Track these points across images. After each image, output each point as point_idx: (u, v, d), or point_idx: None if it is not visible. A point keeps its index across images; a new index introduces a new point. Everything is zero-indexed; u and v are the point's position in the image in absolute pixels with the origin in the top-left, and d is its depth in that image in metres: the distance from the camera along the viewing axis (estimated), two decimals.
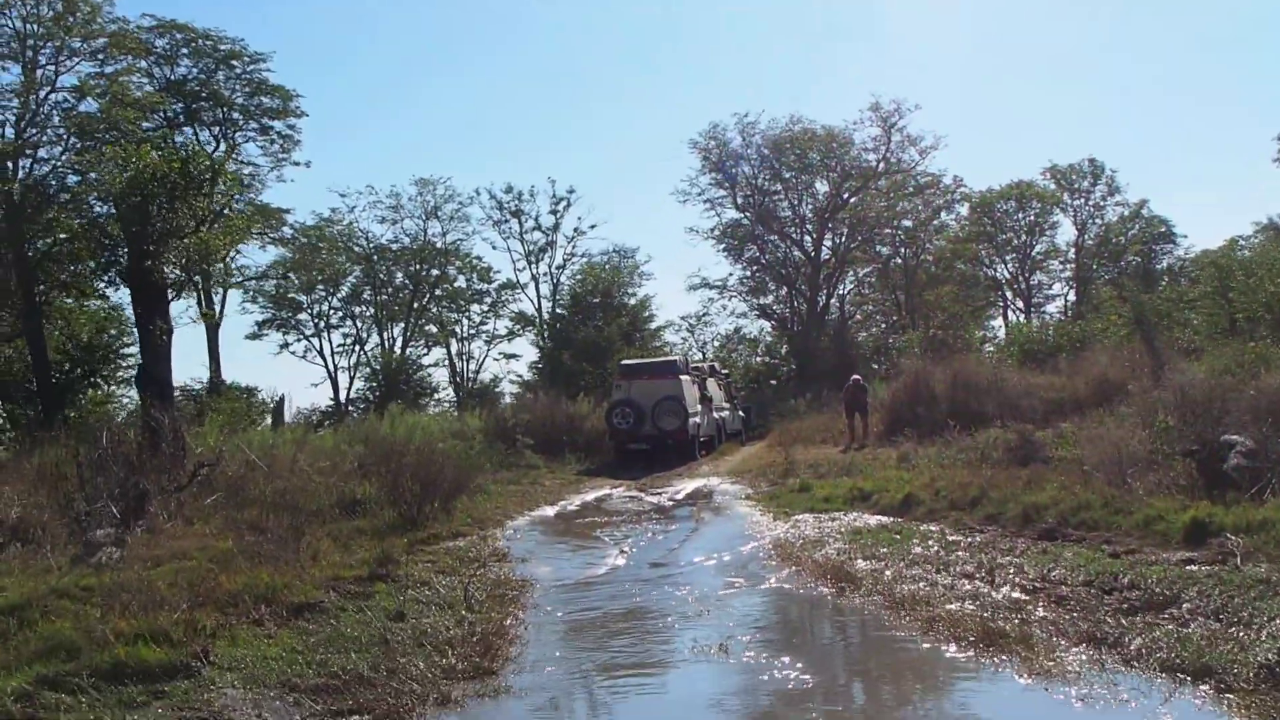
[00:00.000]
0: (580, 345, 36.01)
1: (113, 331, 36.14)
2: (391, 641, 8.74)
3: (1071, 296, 57.51)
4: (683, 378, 27.06)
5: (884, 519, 14.47)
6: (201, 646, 8.33)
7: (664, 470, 24.64)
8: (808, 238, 50.49)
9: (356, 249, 51.07)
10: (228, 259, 22.80)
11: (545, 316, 45.85)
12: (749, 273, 51.77)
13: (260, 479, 17.58)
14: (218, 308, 40.01)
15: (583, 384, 32.62)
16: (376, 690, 7.41)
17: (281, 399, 28.45)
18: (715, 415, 29.75)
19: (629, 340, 38.32)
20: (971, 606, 9.42)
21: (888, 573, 11.08)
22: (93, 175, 25.26)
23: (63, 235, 23.68)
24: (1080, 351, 30.97)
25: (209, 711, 7.07)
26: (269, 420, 29.61)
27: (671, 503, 19.01)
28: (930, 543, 12.39)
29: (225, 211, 21.61)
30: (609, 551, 13.92)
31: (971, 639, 8.41)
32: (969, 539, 12.40)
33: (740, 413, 34.07)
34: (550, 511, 18.15)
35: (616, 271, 44.63)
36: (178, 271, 18.71)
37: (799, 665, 8.09)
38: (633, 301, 44.06)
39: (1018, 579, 10.24)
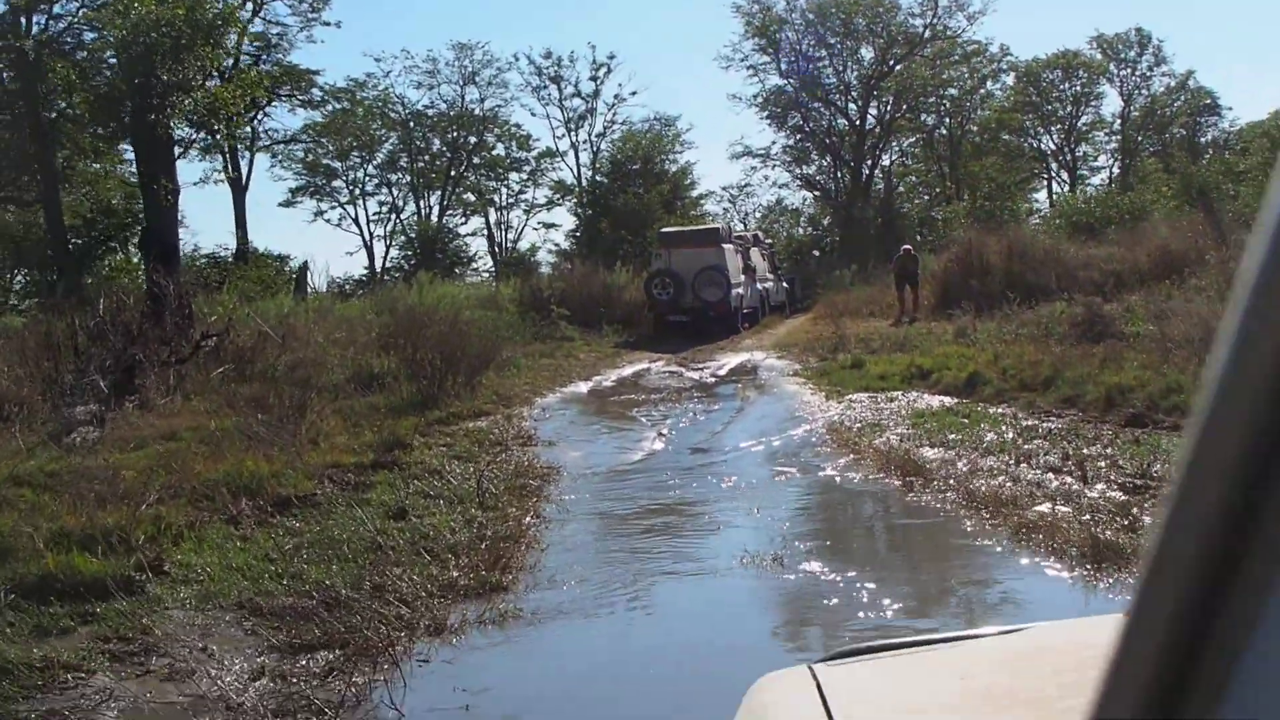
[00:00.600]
0: (619, 213, 34.03)
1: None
2: (385, 547, 7.24)
3: (1116, 169, 54.74)
4: (725, 246, 25.24)
5: (947, 400, 12.82)
6: (154, 554, 6.88)
7: (705, 343, 23.02)
8: (852, 105, 47.95)
9: (392, 115, 49.09)
10: (243, 116, 20.91)
11: (584, 185, 43.80)
12: (792, 141, 49.41)
13: (271, 351, 16.12)
14: (244, 172, 38.26)
15: (621, 253, 30.80)
16: (355, 615, 5.90)
17: (304, 266, 26.87)
18: (758, 286, 28.00)
19: (669, 209, 36.30)
20: (1066, 509, 7.76)
21: (960, 464, 9.44)
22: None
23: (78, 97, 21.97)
24: (1130, 224, 28.91)
25: (140, 643, 5.61)
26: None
27: (714, 379, 17.41)
28: (1003, 428, 10.74)
29: (238, 65, 19.77)
30: (646, 434, 12.38)
31: (1075, 553, 6.78)
32: (1046, 425, 10.73)
33: (784, 284, 32.26)
34: (583, 388, 16.62)
35: (658, 138, 42.32)
36: (186, 128, 16.96)
37: (869, 585, 6.50)
38: (674, 168, 41.87)
39: (1114, 475, 8.57)
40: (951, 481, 8.84)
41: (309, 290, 23.98)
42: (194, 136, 16.97)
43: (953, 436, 10.51)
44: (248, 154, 38.65)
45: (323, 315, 22.42)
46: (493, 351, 16.01)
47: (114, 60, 21.81)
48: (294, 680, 5.19)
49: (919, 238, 41.58)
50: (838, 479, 9.60)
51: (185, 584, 6.52)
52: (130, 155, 30.21)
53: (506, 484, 9.50)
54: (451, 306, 22.07)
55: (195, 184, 38.03)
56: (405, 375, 14.29)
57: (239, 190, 36.43)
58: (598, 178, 39.96)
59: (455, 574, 6.77)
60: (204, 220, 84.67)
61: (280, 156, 43.11)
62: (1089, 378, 11.81)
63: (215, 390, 13.74)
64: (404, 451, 10.53)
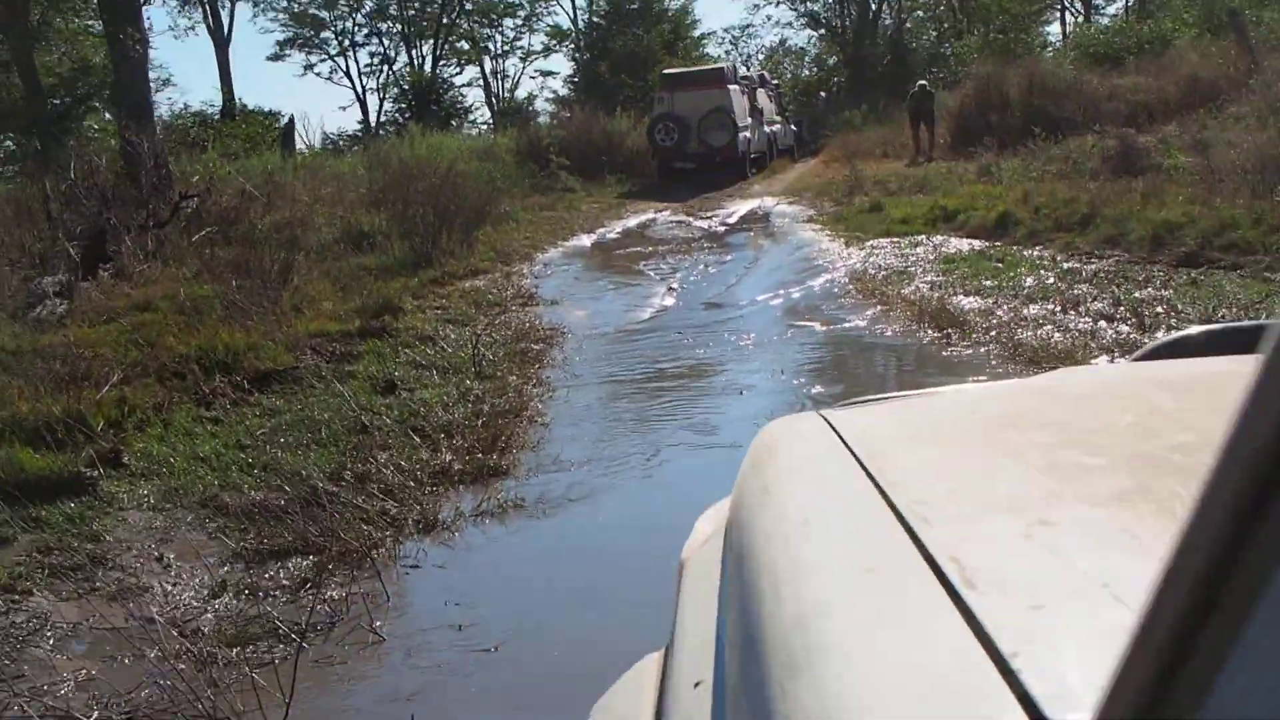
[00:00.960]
0: (618, 56, 32.31)
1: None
2: (370, 428, 6.44)
3: None
4: (731, 87, 23.89)
5: (976, 243, 11.87)
6: (111, 445, 6.09)
7: (712, 190, 21.93)
8: None
9: None
10: None
11: (580, 28, 41.84)
12: None
13: (256, 211, 15.16)
14: (225, 23, 36.39)
15: (622, 99, 29.30)
16: (333, 512, 5.11)
17: (290, 121, 25.46)
18: (766, 129, 26.71)
19: (671, 50, 34.58)
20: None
21: (1000, 312, 8.57)
22: None
23: None
24: (1152, 53, 27.37)
25: (88, 551, 4.85)
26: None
27: (724, 228, 16.43)
28: (1043, 272, 9.82)
29: None
30: (655, 289, 11.50)
31: None
32: (1089, 267, 9.81)
33: (792, 127, 30.89)
34: (587, 241, 15.68)
35: None
36: None
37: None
38: (674, 7, 39.80)
39: (1174, 321, 7.70)
40: (993, 333, 7.99)
41: (298, 146, 22.74)
42: None
43: (988, 283, 9.61)
44: (228, 4, 36.77)
45: (313, 172, 21.37)
46: (489, 205, 15.03)
47: None
48: (260, 596, 4.43)
49: (930, 74, 39.91)
50: (866, 333, 8.75)
51: (145, 479, 5.75)
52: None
53: (506, 349, 8.67)
54: (445, 159, 20.99)
55: (174, 37, 36.24)
56: (397, 233, 13.36)
57: (221, 43, 34.74)
58: (595, 19, 38.06)
59: (449, 457, 5.97)
60: (190, 77, 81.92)
61: (262, 5, 40.96)
62: (1131, 215, 10.83)
63: (196, 255, 12.84)
64: (394, 316, 9.66)
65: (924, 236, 12.82)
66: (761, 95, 26.84)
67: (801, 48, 48.97)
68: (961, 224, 13.00)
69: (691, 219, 17.68)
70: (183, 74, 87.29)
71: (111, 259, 12.50)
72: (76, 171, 14.39)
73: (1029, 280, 9.51)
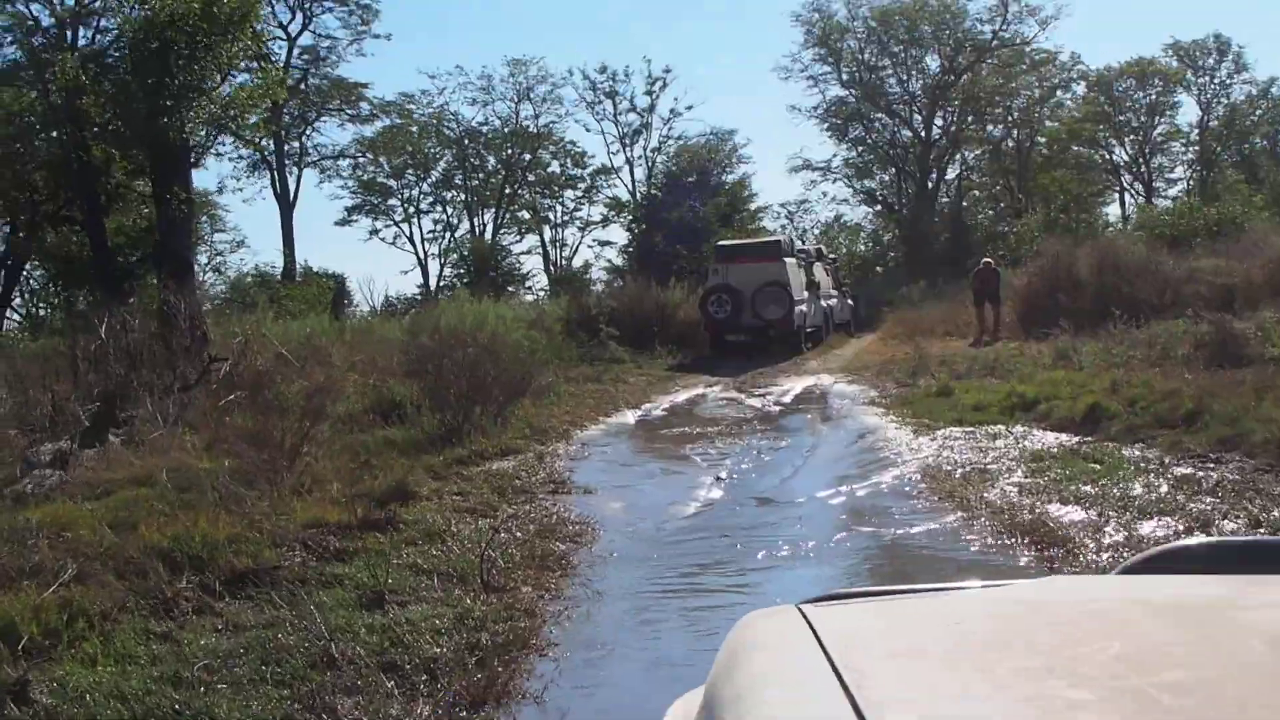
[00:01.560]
0: (674, 227, 31.81)
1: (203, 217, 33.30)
2: (340, 660, 5.13)
3: (1194, 180, 51.44)
4: (787, 260, 23.00)
5: (1065, 438, 10.46)
6: (17, 679, 4.83)
7: (766, 365, 20.80)
8: (917, 116, 45.56)
9: (447, 132, 47.49)
10: (264, 121, 19.04)
11: (637, 199, 41.54)
12: (854, 154, 47.10)
13: (288, 377, 14.21)
14: (292, 188, 36.59)
15: (675, 269, 28.59)
16: None
17: (341, 283, 24.90)
18: (822, 303, 25.73)
19: (727, 222, 34.01)
20: None
21: (1110, 529, 7.13)
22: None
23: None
24: (1226, 237, 26.27)
25: None
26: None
27: (778, 407, 15.18)
28: (1153, 478, 8.37)
29: (263, 63, 17.96)
30: (701, 479, 10.21)
31: None
32: (1209, 474, 8.36)
33: (849, 301, 29.92)
34: (631, 418, 14.48)
35: (714, 150, 40.06)
36: (201, 133, 15.11)
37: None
38: (731, 180, 39.51)
39: None
40: (1106, 556, 6.57)
41: (359, 308, 22.02)
42: (206, 141, 14.99)
43: (1087, 489, 8.19)
44: (295, 169, 37.02)
45: (364, 335, 20.61)
46: (529, 377, 13.94)
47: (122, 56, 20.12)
48: None
49: (988, 252, 39.11)
50: (946, 547, 7.35)
51: None
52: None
53: (524, 550, 7.37)
54: (492, 327, 20.11)
55: (242, 200, 36.37)
56: (428, 405, 12.28)
57: (286, 207, 34.82)
58: (652, 191, 37.82)
59: (425, 711, 4.63)
60: (262, 238, 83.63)
61: (329, 172, 41.37)
62: (1247, 412, 9.43)
63: (218, 421, 11.81)
64: (406, 504, 8.45)
65: (1002, 427, 11.47)
66: (818, 269, 25.95)
67: (857, 224, 48.66)
68: (1043, 414, 11.64)
69: (744, 396, 16.48)
70: (254, 235, 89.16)
71: (124, 424, 11.49)
72: (109, 330, 13.56)
73: (1137, 487, 8.08)
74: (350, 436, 11.63)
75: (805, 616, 1.54)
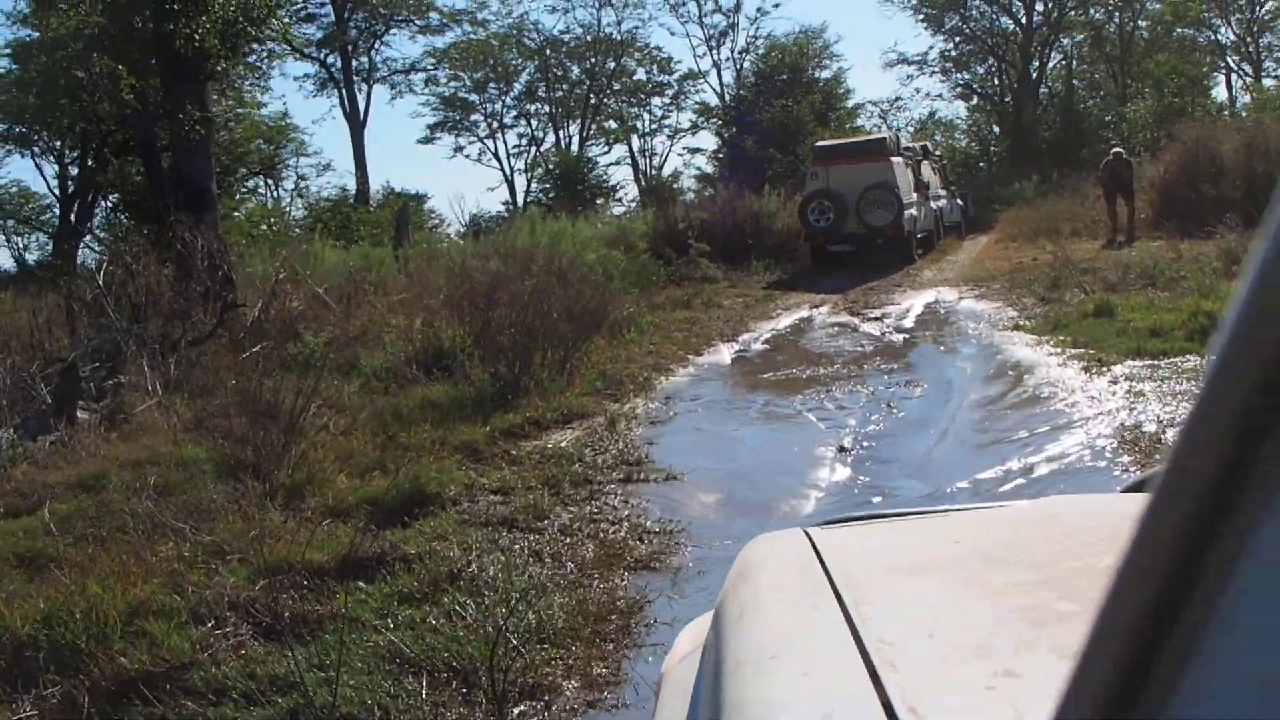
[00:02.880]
0: (766, 129, 28.48)
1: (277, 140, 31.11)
2: None
3: None
4: (894, 159, 19.79)
5: None
6: None
7: (875, 278, 17.84)
8: (1017, 1, 41.04)
9: (528, 43, 44.44)
10: (280, 21, 16.29)
11: (726, 101, 38.01)
12: (951, 44, 42.82)
13: (325, 321, 11.81)
14: (362, 105, 33.88)
15: (770, 174, 25.45)
16: None
17: (404, 207, 22.26)
18: (932, 205, 22.48)
19: (822, 121, 30.54)
20: None
21: None
22: None
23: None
24: None
25: None
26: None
27: (901, 335, 12.27)
28: None
29: None
30: (818, 451, 7.46)
31: None
32: None
33: (958, 201, 26.50)
34: (726, 354, 11.73)
35: (805, 44, 36.18)
36: (214, 40, 12.54)
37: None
38: (824, 76, 35.72)
39: None
40: None
41: (431, 229, 19.44)
42: (221, 49, 12.36)
43: None
44: (365, 86, 34.28)
45: (430, 262, 18.16)
46: (603, 310, 11.30)
47: None
48: None
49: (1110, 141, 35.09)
50: None
51: None
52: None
53: (573, 599, 4.80)
54: (568, 248, 17.46)
55: (312, 121, 33.95)
56: (478, 355, 9.74)
57: (357, 126, 32.27)
58: (741, 92, 34.32)
59: None
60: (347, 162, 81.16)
61: (399, 88, 38.55)
62: None
63: (246, 374, 9.46)
64: (423, 517, 5.94)
65: (1197, 359, 8.54)
66: (926, 168, 22.63)
67: (952, 120, 44.52)
68: None
69: (857, 320, 13.61)
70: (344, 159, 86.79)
71: (108, 393, 9.16)
72: (108, 276, 11.26)
73: None
74: (384, 398, 9.17)
75: (810, 538, 1.56)
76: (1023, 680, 0.96)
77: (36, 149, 32.19)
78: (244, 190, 32.60)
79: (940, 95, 44.34)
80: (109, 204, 29.52)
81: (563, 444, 7.74)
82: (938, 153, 27.89)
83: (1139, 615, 0.53)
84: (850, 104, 36.61)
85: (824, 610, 1.24)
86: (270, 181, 35.59)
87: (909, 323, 13.05)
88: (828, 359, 10.87)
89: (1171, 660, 0.51)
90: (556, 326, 10.02)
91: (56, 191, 33.36)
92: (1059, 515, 1.68)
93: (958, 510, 1.83)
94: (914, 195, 20.41)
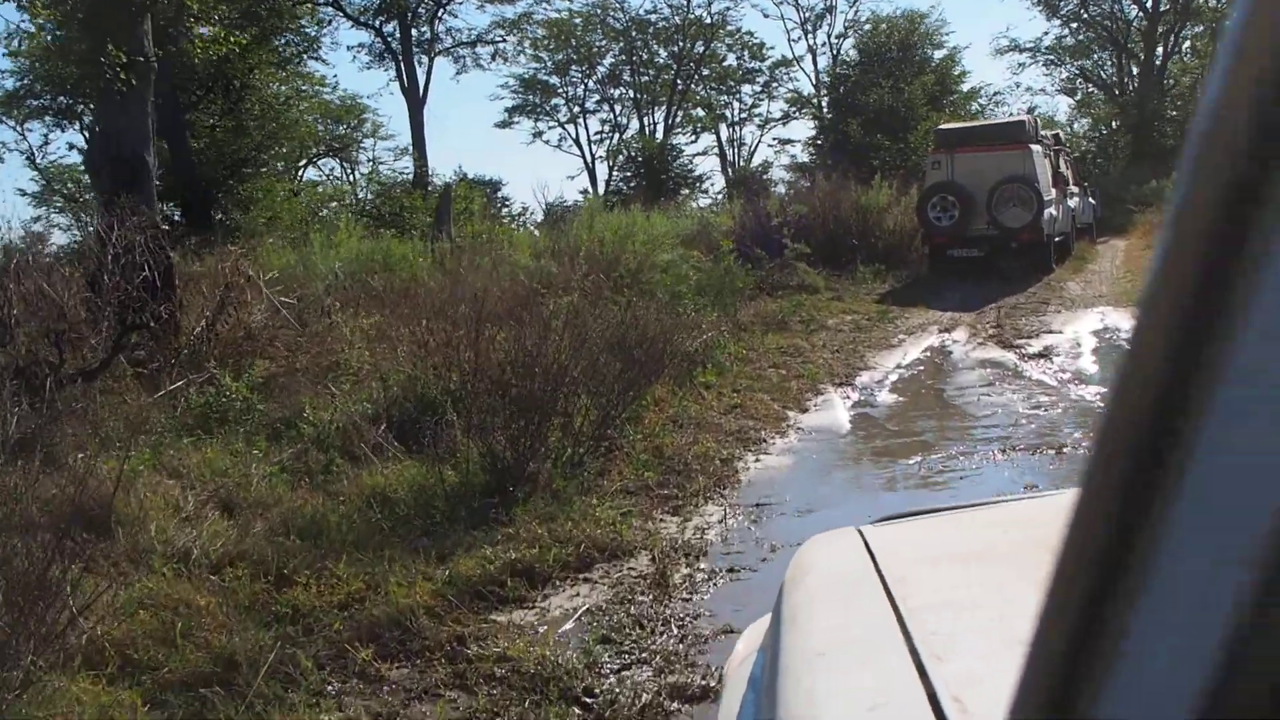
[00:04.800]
0: (872, 113, 24.23)
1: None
2: None
3: None
4: (1034, 148, 15.71)
5: None
6: None
7: (1012, 292, 13.87)
8: None
9: (613, 23, 40.71)
10: None
11: (827, 78, 33.29)
12: (1067, 31, 38.00)
13: (285, 343, 8.32)
14: (422, 80, 30.07)
15: (876, 164, 21.35)
16: None
17: (446, 191, 18.59)
18: (1069, 204, 18.28)
19: (936, 105, 26.29)
20: None
21: None
22: None
23: None
24: None
25: None
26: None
27: (1088, 387, 8.28)
28: None
29: None
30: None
31: None
32: None
33: (1090, 200, 22.14)
34: (842, 411, 7.81)
35: (916, 19, 31.45)
36: None
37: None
38: (939, 56, 30.98)
39: None
40: None
41: (449, 225, 15.80)
42: None
43: None
44: (425, 59, 30.52)
45: (471, 255, 14.69)
46: (668, 344, 7.56)
47: None
48: None
49: None
50: None
51: None
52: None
53: None
54: (639, 245, 13.77)
55: (367, 97, 30.71)
56: (463, 426, 6.09)
57: (416, 103, 28.71)
58: (843, 71, 29.93)
59: None
60: (441, 146, 77.02)
61: (464, 61, 34.64)
62: None
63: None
64: None
65: None
66: (1062, 160, 18.43)
67: (1051, 117, 39.68)
68: None
69: (1013, 355, 9.67)
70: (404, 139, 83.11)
71: None
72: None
73: None
74: (306, 494, 5.59)
75: (863, 536, 1.57)
76: None
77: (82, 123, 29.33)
78: (292, 172, 29.50)
79: (1043, 90, 39.57)
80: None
81: (565, 627, 4.04)
82: (1066, 144, 23.50)
83: (1071, 613, 0.52)
84: (965, 88, 31.85)
85: (874, 606, 1.23)
86: (347, 165, 32.46)
87: (1089, 364, 9.07)
88: (989, 419, 6.99)
89: (1101, 661, 0.50)
90: (598, 368, 6.35)
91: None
92: None
93: (1011, 500, 1.87)
94: (1053, 191, 16.27)
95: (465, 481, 5.58)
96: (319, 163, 34.00)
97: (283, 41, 26.32)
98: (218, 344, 8.22)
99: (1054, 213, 16.15)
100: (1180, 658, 0.46)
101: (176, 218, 20.06)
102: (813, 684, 1.10)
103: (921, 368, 9.35)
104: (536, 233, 20.37)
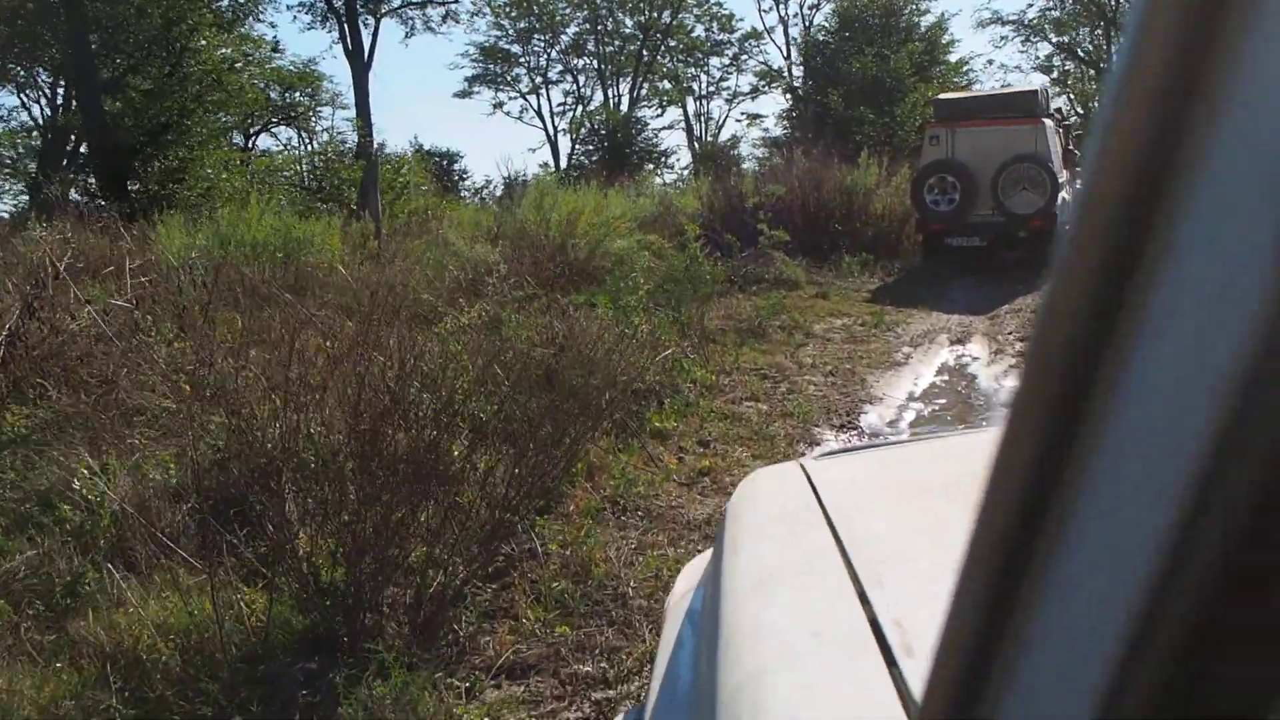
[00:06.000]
0: (856, 83, 21.85)
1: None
2: None
3: None
4: (1045, 123, 13.61)
5: None
6: None
7: (1024, 288, 11.83)
8: None
9: None
10: None
11: (805, 43, 30.74)
12: (1051, 2, 35.96)
13: (102, 366, 6.06)
14: (367, 42, 27.38)
15: (860, 139, 19.10)
16: None
17: (372, 162, 16.05)
18: (1077, 187, 16.20)
19: (923, 75, 24.05)
20: None
21: None
22: None
23: None
24: None
25: None
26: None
27: None
28: None
29: None
30: None
31: None
32: None
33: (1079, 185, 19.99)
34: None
35: None
36: None
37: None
38: (926, 23, 28.53)
39: None
40: None
41: (375, 202, 13.39)
42: None
43: None
44: (371, 20, 27.79)
45: (403, 234, 12.61)
46: (610, 384, 5.37)
47: None
48: None
49: None
50: None
51: None
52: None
53: None
54: (597, 230, 11.63)
55: (309, 61, 28.37)
56: (305, 507, 3.91)
57: (361, 68, 26.14)
58: (822, 38, 27.51)
59: None
60: (398, 117, 74.40)
61: (413, 24, 31.97)
62: None
63: None
64: None
65: None
66: (1070, 137, 16.35)
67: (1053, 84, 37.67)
68: None
69: None
70: (392, 117, 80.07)
71: None
72: None
73: None
74: (77, 608, 3.40)
75: (805, 471, 1.54)
76: None
77: (16, 84, 26.57)
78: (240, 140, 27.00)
79: (1018, 67, 37.51)
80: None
81: None
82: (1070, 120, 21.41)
83: (979, 603, 0.51)
84: (954, 58, 29.46)
85: (816, 536, 1.23)
86: (306, 135, 29.86)
87: None
88: None
89: (1006, 658, 0.49)
90: (499, 430, 4.19)
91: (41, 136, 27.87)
92: None
93: (952, 434, 1.85)
94: (1064, 173, 14.20)
95: (279, 623, 3.43)
96: (275, 132, 31.54)
97: (224, 3, 24.03)
98: (16, 364, 5.99)
99: (1066, 197, 14.07)
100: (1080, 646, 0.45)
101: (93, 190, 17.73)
102: (756, 610, 1.10)
103: (942, 400, 7.23)
104: (495, 208, 18.19)
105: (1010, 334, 9.51)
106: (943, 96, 15.28)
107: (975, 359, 8.56)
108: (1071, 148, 15.55)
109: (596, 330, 6.09)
